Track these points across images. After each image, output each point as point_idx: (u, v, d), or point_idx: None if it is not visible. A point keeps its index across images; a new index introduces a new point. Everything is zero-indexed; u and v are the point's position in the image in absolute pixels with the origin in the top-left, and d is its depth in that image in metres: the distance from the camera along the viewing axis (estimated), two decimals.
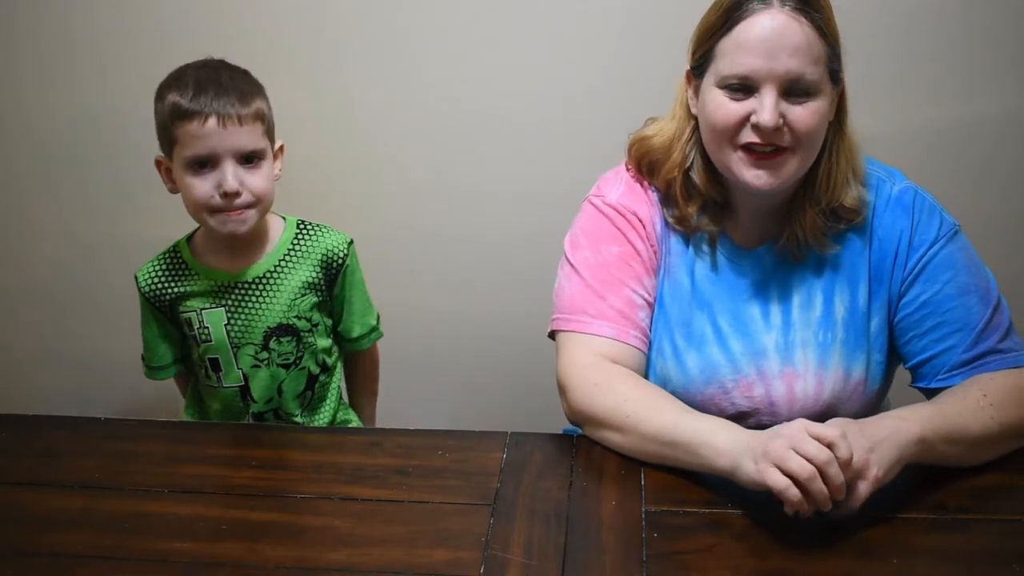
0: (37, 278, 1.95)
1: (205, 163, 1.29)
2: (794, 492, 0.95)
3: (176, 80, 1.31)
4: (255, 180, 1.31)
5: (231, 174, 1.29)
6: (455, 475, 1.13)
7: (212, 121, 1.27)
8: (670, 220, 1.24)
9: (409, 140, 1.81)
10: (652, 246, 1.24)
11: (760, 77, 1.09)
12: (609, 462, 1.14)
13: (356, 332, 1.50)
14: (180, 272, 1.41)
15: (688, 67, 1.20)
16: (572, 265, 1.25)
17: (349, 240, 1.45)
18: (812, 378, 1.20)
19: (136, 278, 1.43)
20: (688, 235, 1.24)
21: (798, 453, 0.96)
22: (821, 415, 1.19)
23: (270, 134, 1.36)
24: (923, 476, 1.09)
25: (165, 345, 1.47)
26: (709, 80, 1.14)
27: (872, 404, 1.23)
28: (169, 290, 1.41)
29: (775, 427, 1.02)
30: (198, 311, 1.40)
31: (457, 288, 1.88)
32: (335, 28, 1.75)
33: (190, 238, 1.45)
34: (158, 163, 1.37)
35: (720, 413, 1.20)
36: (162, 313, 1.43)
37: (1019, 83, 1.72)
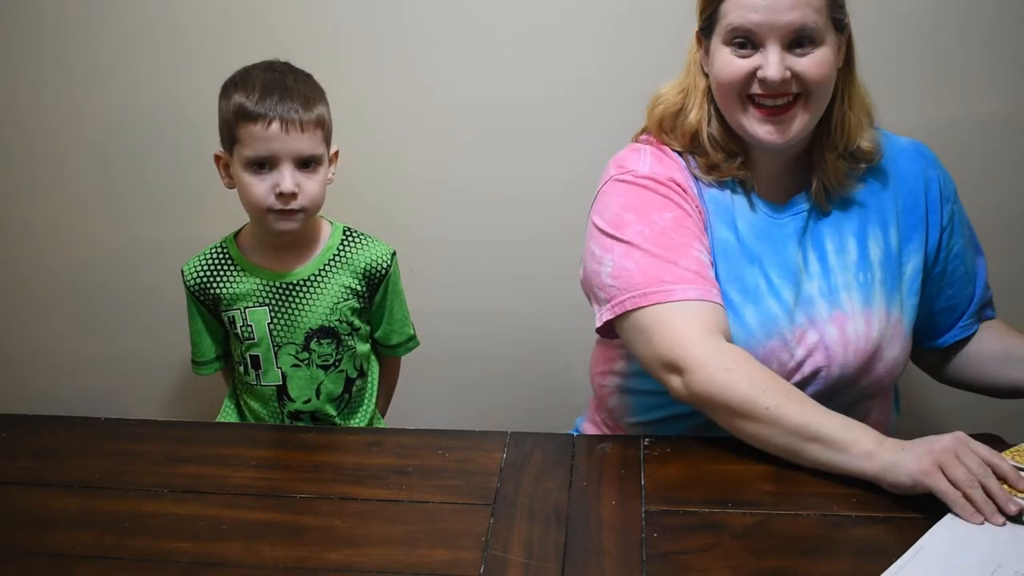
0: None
1: (264, 164, 1.33)
2: (959, 497, 0.97)
3: (243, 81, 1.35)
4: (310, 184, 1.35)
5: (288, 177, 1.32)
6: (455, 475, 1.13)
7: (275, 125, 1.31)
8: (701, 171, 1.25)
9: (408, 139, 1.81)
10: (697, 207, 1.24)
11: (763, 32, 1.13)
12: (609, 462, 1.14)
13: (394, 340, 1.53)
14: (226, 268, 1.43)
15: (697, 28, 1.23)
16: (627, 242, 1.20)
17: (392, 252, 1.48)
18: (860, 318, 1.23)
19: (182, 272, 1.45)
20: (722, 188, 1.25)
21: (961, 461, 0.99)
22: (871, 354, 1.23)
23: (328, 139, 1.39)
24: None
25: (209, 340, 1.49)
26: (716, 40, 1.19)
27: (908, 346, 1.27)
28: (214, 286, 1.43)
29: (927, 438, 1.04)
30: (242, 309, 1.42)
31: (457, 288, 1.88)
32: (335, 27, 1.75)
33: (237, 235, 1.47)
34: (217, 158, 1.40)
35: (782, 366, 1.21)
36: (206, 308, 1.46)
37: (1019, 83, 1.72)
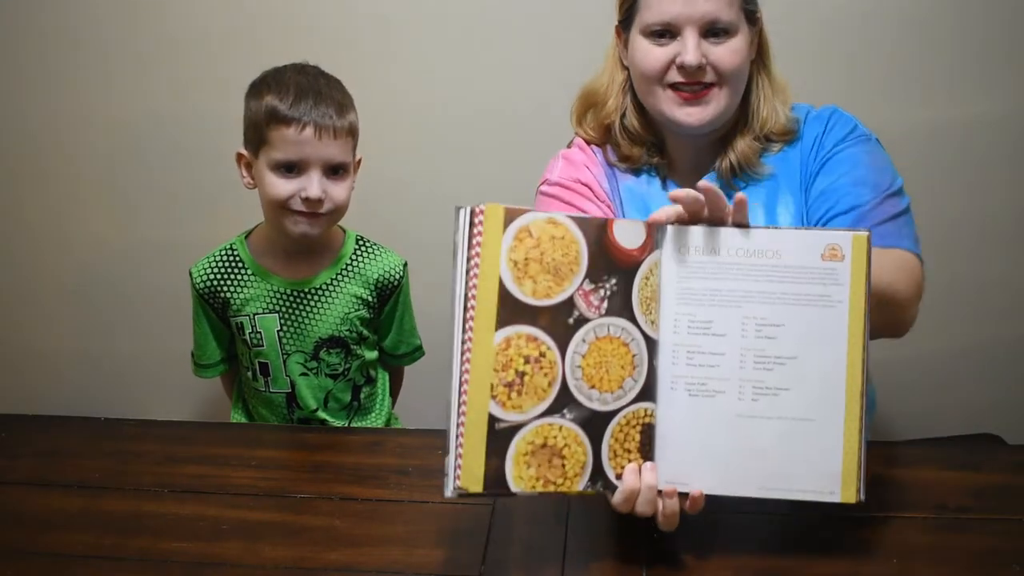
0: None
1: (292, 167, 1.31)
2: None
3: (275, 82, 1.32)
4: (337, 191, 1.33)
5: (317, 182, 1.31)
6: None
7: (309, 130, 1.29)
8: (617, 160, 1.30)
9: (408, 140, 1.81)
10: (604, 202, 1.29)
11: (680, 21, 1.19)
12: None
13: (402, 350, 1.52)
14: (237, 271, 1.41)
15: (616, 22, 1.28)
16: None
17: (404, 263, 1.47)
18: None
19: (190, 274, 1.43)
20: (637, 176, 1.30)
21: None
22: None
23: (355, 147, 1.37)
24: (923, 476, 1.09)
25: (214, 343, 1.47)
26: (635, 31, 1.24)
27: None
28: (224, 289, 1.41)
29: None
30: (251, 315, 1.40)
31: None
32: (334, 28, 1.75)
33: (247, 237, 1.44)
34: (239, 157, 1.37)
35: None
36: (214, 311, 1.44)
37: (1018, 83, 1.72)
